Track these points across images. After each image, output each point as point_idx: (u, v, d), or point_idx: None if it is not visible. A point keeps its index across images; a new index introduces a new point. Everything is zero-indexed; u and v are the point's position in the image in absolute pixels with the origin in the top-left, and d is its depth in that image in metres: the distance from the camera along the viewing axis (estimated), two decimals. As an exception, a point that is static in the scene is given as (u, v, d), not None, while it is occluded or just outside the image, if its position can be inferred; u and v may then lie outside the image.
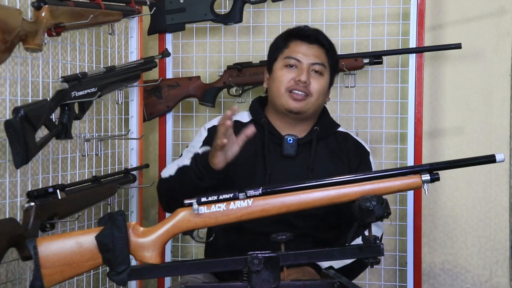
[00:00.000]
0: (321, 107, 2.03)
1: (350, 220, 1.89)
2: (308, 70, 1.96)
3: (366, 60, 2.43)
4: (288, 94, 1.95)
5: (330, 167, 1.98)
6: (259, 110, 2.06)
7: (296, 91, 1.95)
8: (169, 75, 2.64)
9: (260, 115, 2.04)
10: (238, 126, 2.02)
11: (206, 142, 2.00)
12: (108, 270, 1.44)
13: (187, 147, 2.08)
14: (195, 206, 1.47)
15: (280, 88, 1.96)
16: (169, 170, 1.94)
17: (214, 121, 2.06)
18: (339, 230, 1.97)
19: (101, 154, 2.25)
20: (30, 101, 1.91)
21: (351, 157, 2.02)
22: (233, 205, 1.47)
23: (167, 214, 2.00)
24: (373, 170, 2.03)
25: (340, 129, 2.09)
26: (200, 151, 1.84)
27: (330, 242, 1.95)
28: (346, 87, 2.50)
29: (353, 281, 1.58)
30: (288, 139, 1.97)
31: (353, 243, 1.53)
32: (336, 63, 2.07)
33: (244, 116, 2.08)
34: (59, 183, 2.05)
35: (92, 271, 2.27)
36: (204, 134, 2.03)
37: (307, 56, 1.97)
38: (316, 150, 1.99)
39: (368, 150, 2.07)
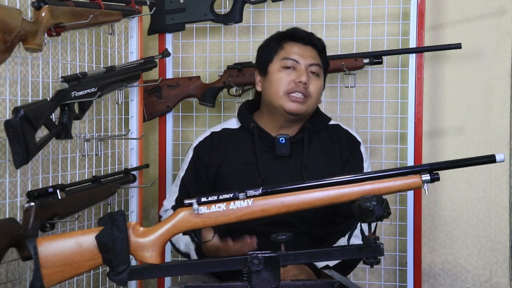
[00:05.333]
0: (316, 108, 2.04)
1: (345, 214, 1.91)
2: (306, 71, 1.96)
3: (366, 60, 2.43)
4: (287, 96, 1.95)
5: (324, 162, 1.99)
6: (246, 116, 2.06)
7: (295, 94, 1.95)
8: (169, 75, 2.64)
9: (248, 120, 2.04)
10: (228, 133, 2.04)
11: (192, 162, 2.02)
12: (108, 270, 1.44)
13: (180, 169, 2.11)
14: (195, 206, 1.47)
15: (279, 90, 1.96)
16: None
17: (200, 138, 2.08)
18: (333, 225, 1.99)
19: (101, 154, 2.25)
20: (30, 101, 1.91)
21: (342, 148, 2.03)
22: (233, 205, 1.47)
23: (167, 214, 1.99)
24: (364, 159, 2.05)
25: (331, 122, 2.09)
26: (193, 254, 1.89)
27: (325, 237, 1.96)
28: (346, 87, 2.50)
29: (353, 281, 1.58)
30: (280, 139, 1.98)
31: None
32: (327, 64, 2.07)
33: (232, 123, 2.09)
34: (59, 183, 2.05)
35: (92, 271, 2.27)
36: (190, 154, 2.06)
37: (304, 57, 1.97)
38: (309, 147, 1.99)
39: (359, 140, 2.07)
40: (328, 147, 2.02)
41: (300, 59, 1.97)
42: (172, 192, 2.06)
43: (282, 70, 1.97)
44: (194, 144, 2.07)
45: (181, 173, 2.06)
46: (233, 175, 1.97)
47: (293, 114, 1.96)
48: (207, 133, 2.08)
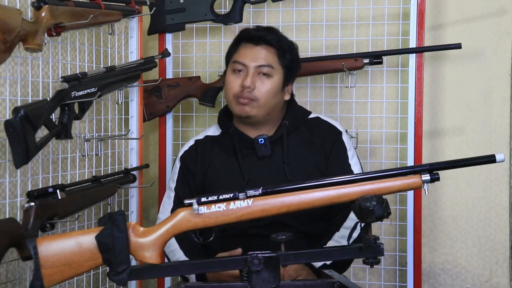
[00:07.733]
0: (276, 106, 2.01)
1: (336, 207, 1.92)
2: (254, 74, 1.95)
3: (366, 60, 2.43)
4: (235, 100, 1.97)
5: (306, 157, 1.99)
6: (225, 121, 2.07)
7: (241, 98, 1.95)
8: (169, 75, 2.64)
9: (227, 125, 2.05)
10: (210, 141, 2.05)
11: (181, 172, 2.03)
12: (108, 270, 1.44)
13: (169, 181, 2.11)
14: (195, 206, 1.47)
15: (229, 94, 1.98)
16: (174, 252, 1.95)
17: (185, 147, 2.09)
18: (326, 222, 1.99)
19: (101, 154, 2.25)
20: (30, 101, 1.90)
21: (324, 140, 2.03)
22: (233, 205, 1.47)
23: (167, 214, 1.99)
24: (347, 148, 2.04)
25: (311, 115, 2.08)
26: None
27: (320, 235, 1.96)
28: (346, 87, 2.50)
29: (353, 281, 1.59)
30: (260, 140, 1.98)
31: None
32: (292, 62, 2.02)
33: (214, 130, 2.10)
34: (59, 183, 2.05)
35: (92, 271, 2.27)
36: (178, 165, 2.07)
37: (251, 59, 1.96)
38: (288, 144, 1.99)
39: (341, 129, 2.07)
40: (308, 141, 2.02)
41: (248, 61, 1.96)
42: (166, 204, 2.05)
43: (232, 74, 1.99)
44: (180, 154, 2.08)
45: (173, 184, 2.06)
46: (218, 181, 1.98)
47: (243, 117, 1.97)
48: (191, 142, 2.09)
